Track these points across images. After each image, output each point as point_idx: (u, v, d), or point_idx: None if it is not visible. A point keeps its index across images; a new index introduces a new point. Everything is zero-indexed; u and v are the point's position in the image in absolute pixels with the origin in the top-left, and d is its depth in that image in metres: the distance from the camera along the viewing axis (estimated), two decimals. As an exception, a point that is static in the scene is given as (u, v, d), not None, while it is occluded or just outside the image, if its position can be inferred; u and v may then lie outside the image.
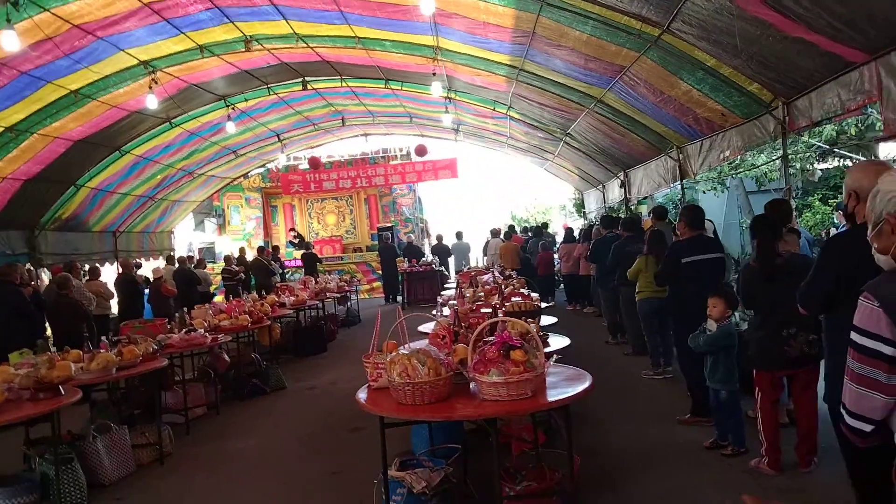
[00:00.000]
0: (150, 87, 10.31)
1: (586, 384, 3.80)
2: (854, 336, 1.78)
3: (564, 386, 3.84)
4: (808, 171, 12.27)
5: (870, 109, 5.72)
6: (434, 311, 7.17)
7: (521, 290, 7.39)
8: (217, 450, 6.11)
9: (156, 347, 6.32)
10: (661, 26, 6.52)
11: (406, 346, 4.06)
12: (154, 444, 5.83)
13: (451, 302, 7.65)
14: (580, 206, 19.48)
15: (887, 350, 1.69)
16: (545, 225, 18.22)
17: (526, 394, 3.53)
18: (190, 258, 15.66)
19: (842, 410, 1.84)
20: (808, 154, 10.37)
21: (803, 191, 13.77)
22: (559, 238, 17.33)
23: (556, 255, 15.65)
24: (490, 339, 3.80)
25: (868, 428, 1.76)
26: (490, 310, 5.83)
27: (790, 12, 4.99)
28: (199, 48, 10.15)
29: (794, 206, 10.35)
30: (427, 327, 6.03)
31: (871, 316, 1.73)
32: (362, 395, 3.95)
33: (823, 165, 12.38)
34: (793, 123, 6.43)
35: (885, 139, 5.66)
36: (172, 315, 9.02)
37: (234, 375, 8.35)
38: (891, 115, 4.92)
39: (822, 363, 4.48)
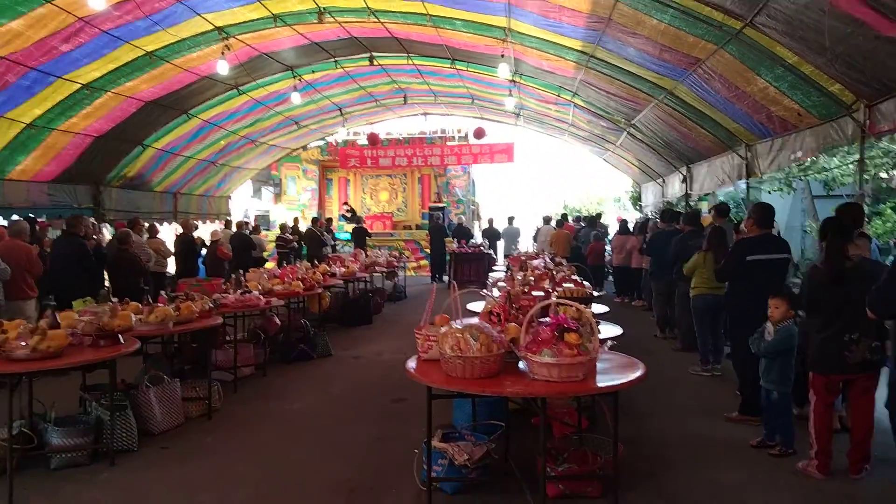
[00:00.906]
0: (223, 53, 10.53)
1: (638, 373, 3.79)
2: None
3: (615, 373, 3.83)
4: (885, 177, 11.78)
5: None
6: (484, 291, 7.19)
7: (574, 277, 7.33)
8: (263, 409, 6.26)
9: (211, 306, 6.49)
10: (745, 19, 6.33)
11: (458, 320, 4.08)
12: (203, 399, 6.01)
13: (500, 283, 7.66)
14: (636, 199, 19.16)
15: None
16: (599, 215, 18.00)
17: (577, 377, 3.53)
18: (246, 224, 16.01)
19: None
20: (884, 160, 9.96)
21: (874, 198, 13.25)
22: (611, 230, 17.12)
23: (607, 247, 15.47)
24: (544, 319, 3.79)
25: None
26: (542, 293, 5.81)
27: (889, 10, 4.78)
28: (272, 17, 10.31)
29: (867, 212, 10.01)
30: (476, 306, 6.05)
31: None
32: (412, 364, 4.01)
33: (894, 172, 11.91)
34: (874, 127, 6.17)
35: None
36: (227, 277, 9.26)
37: (282, 339, 8.53)
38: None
39: (884, 370, 4.39)
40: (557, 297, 5.55)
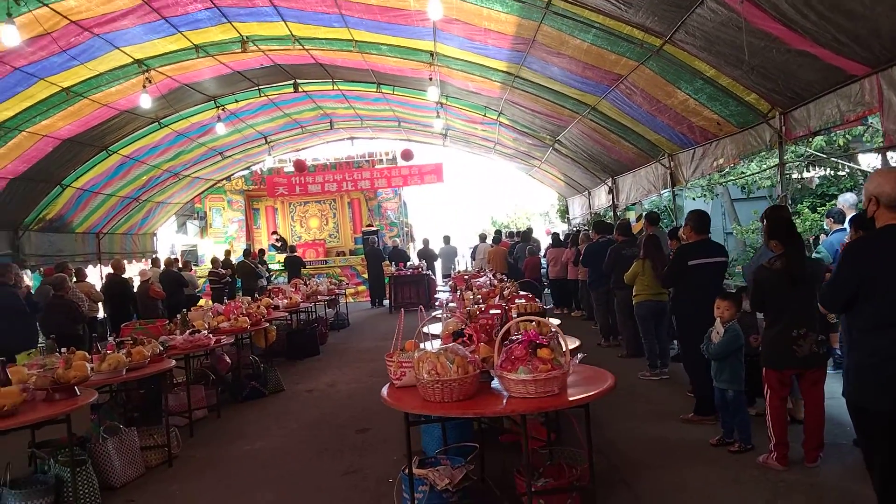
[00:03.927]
0: (144, 87, 10.26)
1: (609, 382, 3.92)
2: None
3: (585, 385, 3.94)
4: (805, 178, 12.58)
5: (870, 120, 5.92)
6: (438, 313, 7.24)
7: (521, 293, 7.49)
8: (224, 451, 6.09)
9: (161, 349, 6.29)
10: (664, 36, 6.68)
11: (424, 344, 4.11)
12: (162, 446, 5.80)
13: (450, 304, 7.73)
14: (564, 212, 19.68)
15: None
16: (530, 230, 18.39)
17: (553, 391, 3.62)
18: (176, 260, 15.51)
19: None
20: (797, 163, 10.64)
21: (792, 199, 14.11)
22: (543, 243, 17.51)
23: (542, 260, 15.81)
24: (515, 337, 3.88)
25: None
26: (498, 311, 5.91)
27: (798, 26, 5.16)
28: (194, 48, 10.13)
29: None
30: (434, 328, 6.08)
31: None
32: (386, 392, 4.01)
33: (810, 174, 12.72)
34: (790, 133, 6.63)
35: (885, 149, 5.85)
36: (160, 317, 8.93)
37: (231, 378, 8.32)
38: (891, 126, 5.12)
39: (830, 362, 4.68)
40: (516, 314, 5.69)
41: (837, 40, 5.06)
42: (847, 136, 10.49)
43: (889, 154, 6.96)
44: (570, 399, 3.69)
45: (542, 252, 16.29)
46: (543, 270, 15.72)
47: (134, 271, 13.93)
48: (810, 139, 10.16)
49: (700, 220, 5.95)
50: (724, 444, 5.10)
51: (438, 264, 18.31)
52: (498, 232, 17.93)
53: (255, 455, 5.92)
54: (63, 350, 5.26)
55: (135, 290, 12.47)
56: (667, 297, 7.06)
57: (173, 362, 6.26)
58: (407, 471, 4.11)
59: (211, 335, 7.19)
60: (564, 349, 3.77)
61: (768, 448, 4.67)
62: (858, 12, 4.59)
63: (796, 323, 4.39)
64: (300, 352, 10.67)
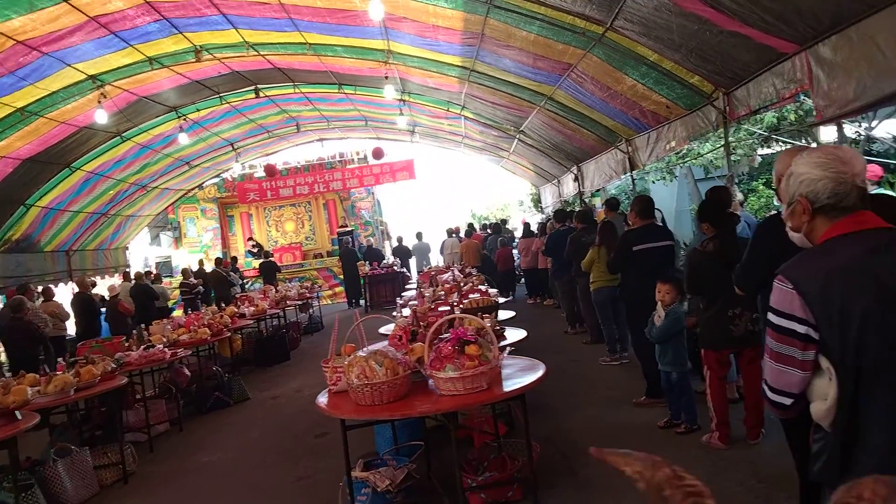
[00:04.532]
0: (100, 102, 10.19)
1: (540, 373, 3.92)
2: (771, 316, 1.88)
3: (519, 376, 3.95)
4: (749, 156, 12.67)
5: (802, 97, 5.96)
6: (395, 313, 7.25)
7: (479, 287, 7.50)
8: (182, 465, 6.07)
9: (114, 366, 6.25)
10: (605, 24, 6.69)
11: (364, 348, 4.11)
12: (117, 464, 5.77)
13: (411, 302, 7.73)
14: (537, 201, 19.72)
15: (800, 329, 1.79)
16: (504, 221, 18.43)
17: (481, 386, 3.63)
18: (147, 273, 15.41)
19: (764, 386, 1.95)
20: (750, 141, 10.71)
21: (749, 176, 14.19)
22: (519, 234, 17.54)
23: (515, 251, 15.84)
24: (445, 336, 3.89)
25: (788, 402, 1.87)
26: (448, 308, 5.93)
27: (724, 7, 5.18)
28: (148, 60, 10.07)
29: (740, 191, 10.70)
30: (388, 328, 6.09)
31: (785, 297, 1.83)
32: (322, 399, 4.00)
33: (766, 151, 12.81)
34: (733, 113, 6.65)
35: (816, 125, 5.89)
36: (131, 332, 8.89)
37: (195, 390, 8.29)
38: (821, 101, 5.15)
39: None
40: (462, 310, 5.70)
41: (764, 20, 5.08)
42: (800, 111, 10.56)
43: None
44: (499, 393, 3.71)
45: (516, 242, 16.32)
46: (518, 261, 15.77)
47: (105, 287, 13.83)
48: (762, 117, 10.25)
49: (644, 204, 5.97)
50: (672, 425, 5.14)
51: (414, 261, 18.30)
52: (470, 225, 17.92)
53: (212, 467, 5.91)
54: (10, 374, 5.23)
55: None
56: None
57: (125, 379, 6.22)
58: (351, 475, 4.12)
59: (167, 349, 7.14)
60: (493, 344, 3.78)
61: (710, 428, 4.71)
62: (778, -9, 4.61)
63: (731, 303, 4.41)
64: (270, 358, 10.63)
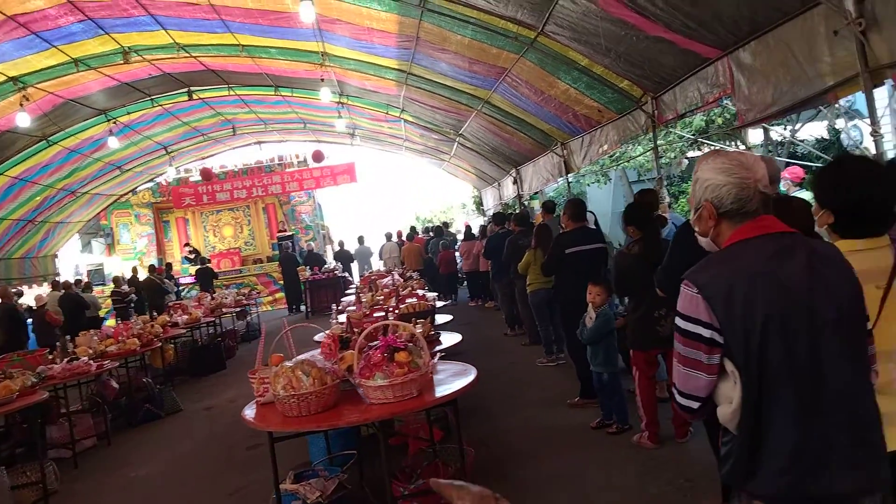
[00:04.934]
0: (21, 105, 9.75)
1: (471, 378, 3.90)
2: (678, 321, 1.90)
3: (451, 382, 3.93)
4: (677, 159, 13.03)
5: (725, 101, 6.14)
6: (331, 319, 7.15)
7: (417, 292, 7.46)
8: (108, 481, 5.83)
9: (35, 380, 5.96)
10: (536, 29, 6.78)
11: (293, 358, 4.02)
12: (37, 483, 5.49)
13: (349, 308, 7.64)
14: (479, 204, 19.82)
15: (706, 333, 1.81)
16: (446, 224, 18.43)
17: (411, 393, 3.59)
18: (78, 282, 14.82)
19: (673, 390, 1.97)
20: (680, 144, 11.00)
21: (679, 178, 14.58)
22: (461, 237, 17.55)
23: (457, 254, 15.86)
24: (376, 343, 3.83)
25: (695, 405, 1.89)
26: (383, 313, 5.87)
27: (648, 13, 5.30)
28: (73, 62, 9.71)
29: (669, 194, 10.98)
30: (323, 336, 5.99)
31: (691, 302, 1.85)
32: (249, 412, 3.90)
33: (695, 154, 13.19)
34: (661, 117, 6.82)
35: (739, 128, 6.08)
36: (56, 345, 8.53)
37: (125, 402, 8.00)
38: (742, 105, 5.32)
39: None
40: (398, 316, 5.66)
41: (687, 25, 5.21)
42: (726, 114, 10.91)
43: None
44: (430, 399, 3.68)
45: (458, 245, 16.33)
46: (459, 264, 15.78)
47: (32, 297, 13.22)
48: (691, 120, 10.54)
49: (576, 207, 6.05)
50: (604, 426, 5.21)
51: (356, 266, 18.13)
52: (412, 228, 17.86)
53: (140, 482, 5.70)
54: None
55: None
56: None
57: (46, 394, 5.94)
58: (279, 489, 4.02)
59: (92, 362, 6.86)
60: (424, 351, 3.75)
61: (641, 428, 4.78)
62: (699, -2, 4.73)
63: (657, 304, 4.49)
64: (204, 368, 10.34)
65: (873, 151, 3.86)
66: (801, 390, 1.74)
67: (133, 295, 14.58)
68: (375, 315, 5.85)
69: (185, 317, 10.40)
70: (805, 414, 1.73)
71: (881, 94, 4.62)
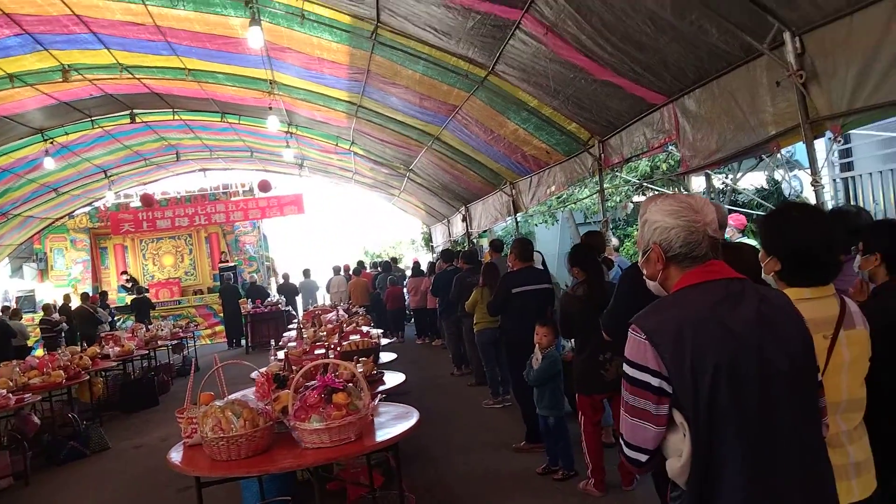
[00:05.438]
0: (-50, 120, 9.30)
1: (413, 421, 3.76)
2: (625, 368, 1.81)
3: (392, 425, 3.77)
4: (623, 203, 13.31)
5: (670, 147, 6.25)
6: (270, 356, 6.89)
7: (361, 329, 7.28)
8: (19, 526, 5.42)
9: (-57, 414, 5.54)
10: (487, 68, 6.81)
11: (224, 397, 3.81)
12: (-63, 528, 5.06)
13: (290, 344, 7.39)
14: (428, 240, 19.77)
15: (654, 381, 1.72)
16: (395, 260, 18.26)
17: (349, 438, 3.42)
18: (6, 308, 14.06)
19: (620, 441, 1.88)
20: (626, 188, 11.22)
21: (625, 222, 14.86)
22: (409, 272, 17.42)
23: (405, 290, 15.70)
24: (313, 383, 3.66)
25: (643, 458, 1.79)
26: (323, 350, 5.67)
27: (597, 57, 5.38)
28: (8, 77, 9.31)
29: (615, 236, 11.14)
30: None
31: (639, 348, 1.76)
32: (175, 454, 3.66)
33: (640, 198, 13.47)
34: (608, 160, 6.90)
35: (683, 174, 6.19)
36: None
37: (48, 439, 7.52)
38: (687, 152, 5.42)
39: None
40: (339, 354, 5.47)
41: (634, 71, 5.30)
42: (670, 160, 11.20)
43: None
44: (370, 444, 3.52)
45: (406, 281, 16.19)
46: (407, 300, 15.62)
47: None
48: (637, 165, 10.77)
49: (523, 247, 6.02)
50: (550, 471, 5.11)
51: (301, 300, 17.75)
52: (360, 263, 17.63)
53: (55, 528, 5.30)
54: None
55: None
56: (499, 325, 7.11)
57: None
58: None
59: (11, 395, 6.43)
60: (364, 392, 3.60)
61: (587, 474, 4.69)
62: (647, 44, 4.82)
63: (602, 348, 4.43)
64: (136, 403, 9.83)
65: (813, 201, 3.94)
66: (752, 444, 1.66)
67: (64, 324, 13.90)
68: (316, 352, 5.65)
69: (118, 349, 9.92)
70: (756, 469, 1.66)
71: (821, 146, 4.74)
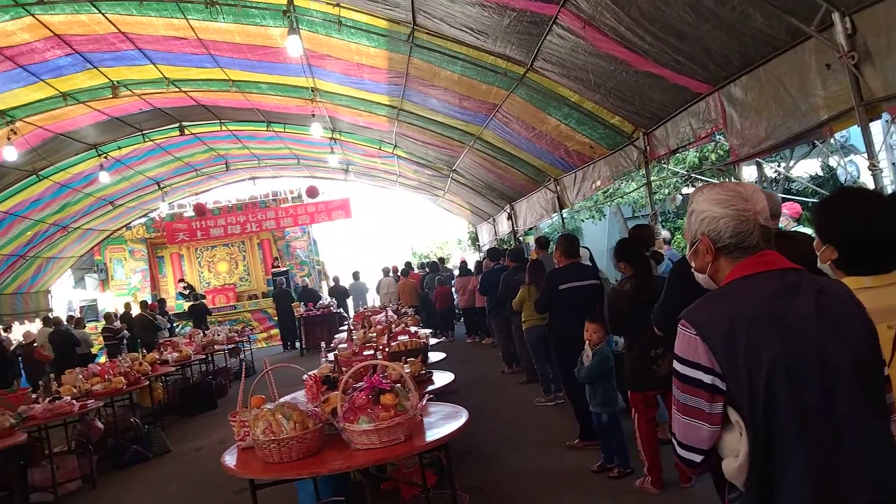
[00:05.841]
0: (9, 139, 9.71)
1: (462, 421, 3.74)
2: (676, 365, 1.74)
3: (442, 424, 3.77)
4: (671, 195, 13.01)
5: (717, 136, 6.09)
6: (322, 357, 6.97)
7: (409, 329, 7.31)
8: (89, 528, 5.62)
9: (14, 422, 5.80)
10: (525, 65, 6.76)
11: (276, 399, 3.87)
12: (13, 530, 5.30)
13: (341, 346, 7.47)
14: (475, 240, 19.73)
15: (706, 378, 1.65)
16: (442, 260, 18.29)
17: (398, 438, 3.43)
18: (70, 318, 14.63)
19: (673, 441, 1.80)
20: (674, 179, 10.98)
21: (675, 214, 14.53)
22: (457, 272, 17.42)
23: (454, 289, 15.70)
24: (360, 384, 3.69)
25: (698, 458, 1.72)
26: (372, 352, 5.72)
27: (637, 48, 5.28)
28: (62, 96, 9.71)
29: (666, 229, 10.90)
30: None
31: (690, 344, 1.69)
32: (230, 458, 3.73)
33: (689, 190, 13.13)
34: (653, 152, 6.76)
35: (732, 163, 6.02)
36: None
37: (112, 443, 7.78)
38: (735, 140, 5.26)
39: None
40: (388, 355, 5.50)
41: (676, 60, 5.18)
42: (719, 150, 10.90)
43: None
44: (419, 444, 3.52)
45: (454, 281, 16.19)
46: (456, 300, 15.62)
47: (22, 333, 13.06)
48: (685, 156, 10.52)
49: (569, 243, 5.95)
50: (605, 469, 5.03)
51: (351, 302, 17.95)
52: (407, 264, 17.72)
53: (121, 530, 5.48)
54: None
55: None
56: (548, 322, 7.04)
57: (24, 436, 5.76)
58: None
59: (75, 401, 6.67)
60: (411, 392, 3.60)
61: (643, 472, 4.61)
62: (688, 33, 4.70)
63: (653, 343, 4.34)
64: (195, 407, 10.12)
65: (872, 187, 3.78)
66: (815, 444, 1.57)
67: (125, 331, 14.39)
68: (365, 354, 5.69)
69: (176, 354, 10.21)
70: (819, 471, 1.56)
71: (877, 129, 4.55)
